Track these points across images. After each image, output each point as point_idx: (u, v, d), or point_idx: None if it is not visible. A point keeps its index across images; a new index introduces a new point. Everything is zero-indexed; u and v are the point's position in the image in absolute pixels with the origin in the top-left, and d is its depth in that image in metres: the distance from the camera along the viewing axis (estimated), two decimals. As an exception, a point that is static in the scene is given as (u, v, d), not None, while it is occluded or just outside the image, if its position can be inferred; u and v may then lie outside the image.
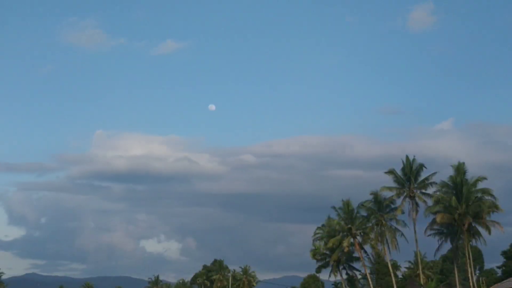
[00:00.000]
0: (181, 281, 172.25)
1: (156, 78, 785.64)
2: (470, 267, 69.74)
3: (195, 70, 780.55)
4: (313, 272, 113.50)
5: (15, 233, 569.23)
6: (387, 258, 78.36)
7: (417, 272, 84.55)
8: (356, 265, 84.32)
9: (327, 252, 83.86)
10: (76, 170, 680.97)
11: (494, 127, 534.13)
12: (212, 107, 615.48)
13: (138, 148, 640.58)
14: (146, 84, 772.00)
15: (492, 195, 66.30)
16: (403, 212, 72.25)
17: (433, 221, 68.49)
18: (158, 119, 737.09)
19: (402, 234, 73.47)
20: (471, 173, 67.80)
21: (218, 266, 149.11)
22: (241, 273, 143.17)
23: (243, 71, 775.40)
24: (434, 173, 71.44)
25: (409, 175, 71.25)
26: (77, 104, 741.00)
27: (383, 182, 73.66)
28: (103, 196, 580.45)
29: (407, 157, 72.22)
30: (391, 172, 72.43)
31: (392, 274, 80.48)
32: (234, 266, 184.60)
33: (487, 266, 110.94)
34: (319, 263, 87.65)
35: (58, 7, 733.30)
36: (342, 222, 78.23)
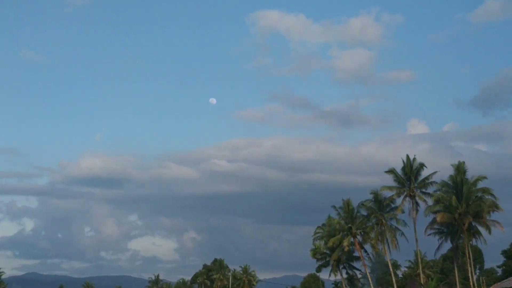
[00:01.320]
0: (181, 281, 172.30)
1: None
2: (470, 266, 69.74)
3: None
4: (313, 271, 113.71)
5: (6, 233, 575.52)
6: (388, 258, 78.36)
7: (417, 271, 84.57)
8: (356, 264, 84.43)
9: (327, 252, 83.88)
10: (54, 177, 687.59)
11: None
12: (213, 100, 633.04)
13: (108, 161, 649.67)
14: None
15: (492, 195, 66.30)
16: (403, 212, 72.19)
17: (433, 221, 68.46)
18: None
19: (402, 234, 73.43)
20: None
21: (219, 265, 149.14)
22: (241, 272, 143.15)
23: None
24: (434, 173, 71.36)
25: (409, 174, 71.17)
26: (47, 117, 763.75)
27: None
28: (88, 200, 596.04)
29: (407, 156, 72.20)
30: (391, 171, 72.39)
31: (392, 274, 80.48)
32: (234, 266, 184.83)
33: (487, 265, 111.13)
34: (319, 263, 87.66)
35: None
36: (342, 222, 78.24)
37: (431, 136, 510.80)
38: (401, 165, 72.12)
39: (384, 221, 73.03)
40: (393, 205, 73.66)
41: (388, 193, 72.87)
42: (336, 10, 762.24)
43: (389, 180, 72.74)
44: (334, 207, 79.50)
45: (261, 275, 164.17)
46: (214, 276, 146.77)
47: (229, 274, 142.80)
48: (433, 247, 72.11)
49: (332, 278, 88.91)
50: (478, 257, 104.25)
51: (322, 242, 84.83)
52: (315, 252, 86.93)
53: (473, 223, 66.63)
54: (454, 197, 65.81)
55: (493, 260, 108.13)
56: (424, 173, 71.52)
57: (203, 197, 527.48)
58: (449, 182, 68.24)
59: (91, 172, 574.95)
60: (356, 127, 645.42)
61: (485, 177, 67.46)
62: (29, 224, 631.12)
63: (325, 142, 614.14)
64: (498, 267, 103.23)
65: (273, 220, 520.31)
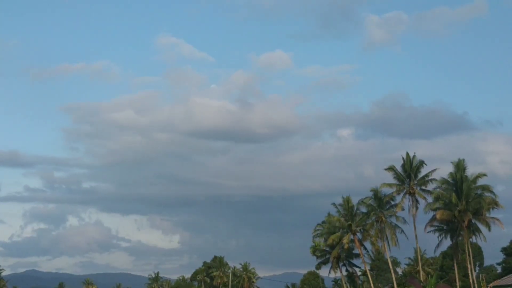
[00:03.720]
0: (181, 278, 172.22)
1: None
2: (470, 263, 69.77)
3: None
4: (313, 268, 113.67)
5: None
6: (387, 255, 78.37)
7: (417, 268, 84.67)
8: (356, 261, 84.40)
9: (327, 249, 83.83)
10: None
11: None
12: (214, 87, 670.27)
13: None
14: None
15: (492, 192, 66.32)
16: (403, 209, 72.12)
17: (433, 218, 68.46)
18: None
19: (402, 231, 73.41)
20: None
21: (218, 262, 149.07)
22: (241, 269, 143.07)
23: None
24: (434, 170, 71.37)
25: (409, 171, 71.08)
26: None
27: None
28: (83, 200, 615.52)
29: (407, 153, 72.14)
30: (391, 168, 72.28)
31: (392, 271, 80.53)
32: (234, 263, 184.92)
33: (487, 262, 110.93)
34: (319, 260, 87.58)
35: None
36: (342, 219, 78.18)
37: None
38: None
39: (384, 218, 72.94)
40: (393, 203, 73.59)
41: (388, 191, 72.90)
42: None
43: (389, 178, 72.83)
44: (334, 204, 79.54)
45: (260, 273, 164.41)
46: (214, 274, 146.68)
47: (229, 271, 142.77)
48: (433, 244, 72.21)
49: (332, 275, 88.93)
50: (478, 254, 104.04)
51: (322, 239, 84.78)
52: (315, 250, 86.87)
53: (473, 221, 66.61)
54: (454, 194, 65.79)
55: (493, 258, 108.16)
56: (424, 170, 71.61)
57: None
58: (449, 179, 68.22)
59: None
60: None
61: (485, 175, 67.50)
62: (28, 224, 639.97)
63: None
64: (498, 264, 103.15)
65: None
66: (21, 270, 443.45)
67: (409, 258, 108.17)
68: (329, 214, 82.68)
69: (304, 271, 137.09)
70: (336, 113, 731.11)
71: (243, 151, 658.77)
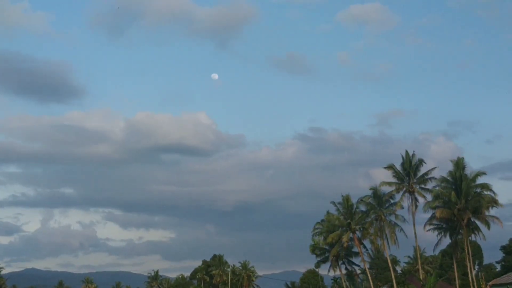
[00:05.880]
0: (180, 277, 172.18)
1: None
2: (469, 262, 69.78)
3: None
4: (312, 267, 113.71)
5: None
6: (387, 253, 78.32)
7: (416, 267, 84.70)
8: (355, 260, 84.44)
9: (327, 247, 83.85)
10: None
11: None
12: (215, 76, 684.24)
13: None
14: None
15: (491, 190, 66.31)
16: (402, 207, 72.21)
17: (433, 216, 68.47)
18: None
19: (402, 229, 73.47)
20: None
21: (218, 261, 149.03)
22: (241, 268, 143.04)
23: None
24: (434, 168, 71.47)
25: (409, 170, 71.12)
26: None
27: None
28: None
29: (406, 152, 72.16)
30: (390, 167, 72.28)
31: (391, 269, 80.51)
32: (234, 261, 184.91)
33: (486, 261, 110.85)
34: (319, 258, 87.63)
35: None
36: (342, 217, 78.19)
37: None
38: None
39: (383, 216, 72.98)
40: (392, 201, 73.65)
41: (387, 189, 72.88)
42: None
43: (388, 176, 72.81)
44: (333, 202, 79.50)
45: (260, 271, 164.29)
46: (214, 272, 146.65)
47: (229, 269, 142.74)
48: (432, 242, 72.24)
49: (332, 273, 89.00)
50: (477, 252, 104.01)
51: (321, 238, 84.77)
52: (314, 248, 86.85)
53: (472, 219, 66.61)
54: (453, 192, 65.78)
55: (492, 256, 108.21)
56: (423, 168, 71.62)
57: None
58: (448, 177, 68.21)
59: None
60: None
61: (484, 173, 67.49)
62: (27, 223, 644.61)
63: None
64: (497, 262, 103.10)
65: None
66: (21, 268, 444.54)
67: (409, 257, 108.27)
68: (328, 212, 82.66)
69: (303, 270, 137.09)
70: (272, 130, 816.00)
71: (194, 162, 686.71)
